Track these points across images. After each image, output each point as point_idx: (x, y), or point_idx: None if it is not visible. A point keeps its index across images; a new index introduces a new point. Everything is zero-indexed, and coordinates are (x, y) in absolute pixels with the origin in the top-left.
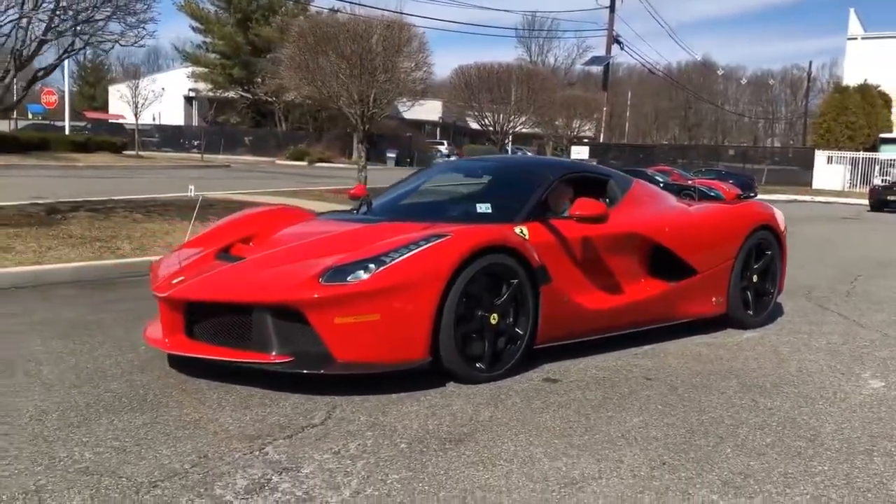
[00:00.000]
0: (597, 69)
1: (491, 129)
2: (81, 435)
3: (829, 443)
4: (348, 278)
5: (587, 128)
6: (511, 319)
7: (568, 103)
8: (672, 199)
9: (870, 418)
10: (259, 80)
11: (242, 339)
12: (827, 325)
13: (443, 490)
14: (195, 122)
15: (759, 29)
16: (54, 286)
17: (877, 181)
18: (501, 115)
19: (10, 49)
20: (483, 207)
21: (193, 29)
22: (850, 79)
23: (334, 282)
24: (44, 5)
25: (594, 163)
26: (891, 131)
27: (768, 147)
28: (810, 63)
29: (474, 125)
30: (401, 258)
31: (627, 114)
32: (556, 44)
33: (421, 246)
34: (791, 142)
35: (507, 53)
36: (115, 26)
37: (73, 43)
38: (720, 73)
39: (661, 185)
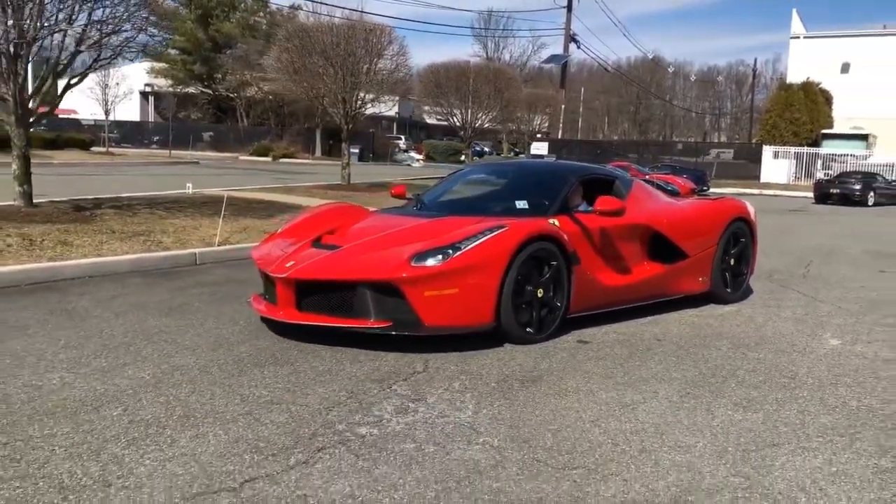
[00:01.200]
0: (551, 66)
1: (458, 125)
2: (247, 381)
3: (805, 379)
4: (432, 261)
5: (546, 124)
6: (551, 294)
7: (530, 101)
8: (664, 196)
9: (832, 364)
10: (220, 76)
11: (345, 310)
12: (790, 300)
13: (537, 410)
14: (151, 117)
15: (707, 24)
16: (122, 275)
17: (819, 175)
18: (470, 112)
19: (46, 59)
20: (521, 204)
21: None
22: (794, 76)
23: (422, 263)
24: (79, 18)
25: (553, 158)
26: (832, 127)
27: (718, 142)
28: (755, 60)
29: (430, 120)
30: (473, 245)
31: (581, 109)
32: (511, 41)
33: (486, 235)
34: (736, 137)
35: (463, 50)
36: (142, 37)
37: (100, 53)
38: (671, 70)
39: None
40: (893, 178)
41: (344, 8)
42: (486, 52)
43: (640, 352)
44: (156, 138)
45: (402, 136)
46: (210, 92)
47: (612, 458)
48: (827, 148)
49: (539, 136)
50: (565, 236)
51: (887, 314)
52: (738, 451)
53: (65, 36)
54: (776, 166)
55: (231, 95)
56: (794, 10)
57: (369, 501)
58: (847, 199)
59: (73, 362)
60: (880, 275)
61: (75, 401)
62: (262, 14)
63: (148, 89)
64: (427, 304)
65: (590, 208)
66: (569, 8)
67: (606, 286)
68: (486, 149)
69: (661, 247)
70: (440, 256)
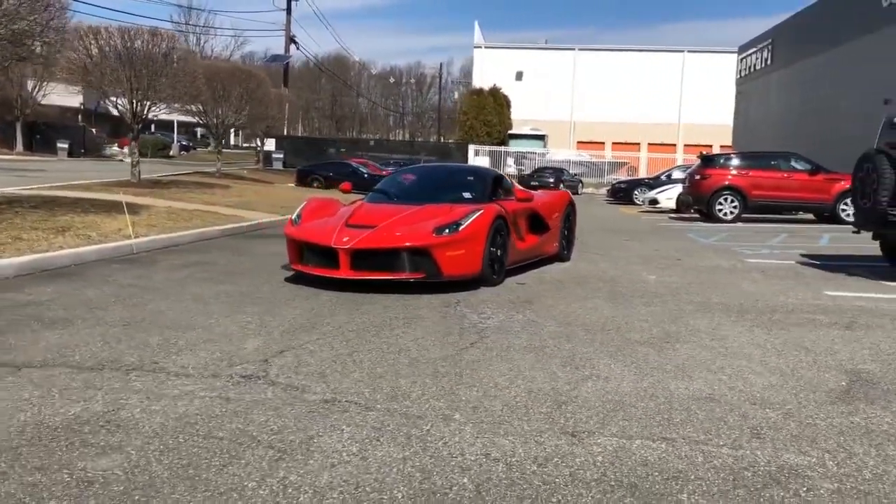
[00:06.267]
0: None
1: (207, 122)
2: (370, 309)
3: (654, 290)
4: (447, 232)
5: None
6: (500, 253)
7: (268, 100)
8: (528, 189)
9: (660, 283)
10: None
11: (387, 267)
12: (595, 258)
13: (551, 311)
14: None
15: (391, 26)
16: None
17: (511, 170)
18: (221, 112)
19: None
20: (466, 194)
21: None
22: (479, 82)
23: (441, 234)
24: None
25: (282, 154)
26: (511, 129)
27: (429, 140)
28: (441, 64)
29: (115, 112)
30: (469, 221)
31: (287, 106)
32: (211, 36)
33: (475, 215)
34: (419, 135)
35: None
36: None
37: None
38: (373, 71)
39: (366, 175)
40: (573, 172)
41: None
42: (188, 45)
43: (560, 286)
44: None
45: (94, 129)
46: None
47: (597, 324)
48: (513, 146)
49: (260, 133)
50: (509, 215)
51: (659, 264)
52: (657, 320)
53: None
54: (478, 162)
55: None
56: (476, 22)
57: (526, 347)
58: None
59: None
60: (628, 242)
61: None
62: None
63: None
64: (446, 261)
65: (510, 197)
66: (288, 10)
67: (519, 249)
68: (187, 142)
69: (537, 223)
70: (451, 229)
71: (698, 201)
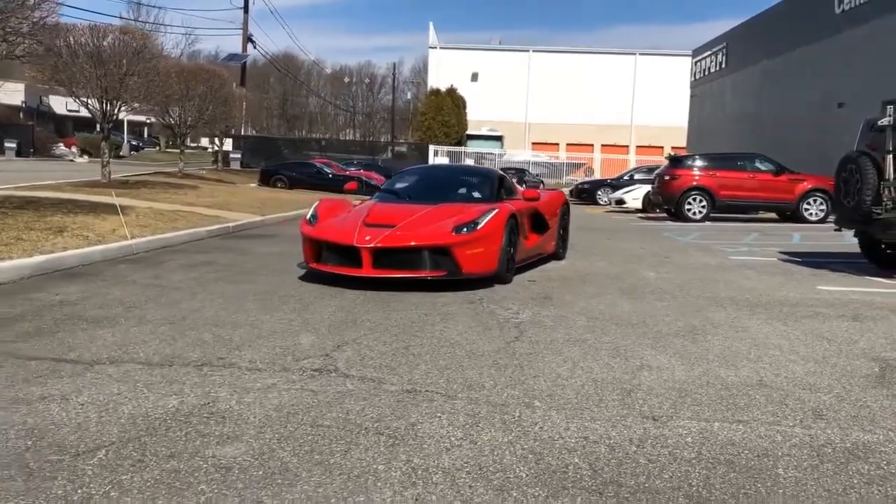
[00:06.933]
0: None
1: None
2: (401, 307)
3: (659, 286)
4: (466, 231)
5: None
6: (513, 251)
7: (232, 99)
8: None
9: (662, 279)
10: None
11: (408, 265)
12: (588, 256)
13: (573, 307)
14: None
15: (339, 24)
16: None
17: None
18: (185, 111)
19: None
20: (476, 194)
21: None
22: (434, 82)
23: (460, 233)
24: None
25: (239, 154)
26: (476, 129)
27: (389, 140)
28: (395, 64)
29: (60, 110)
30: (486, 220)
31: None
32: (161, 34)
33: (491, 214)
34: (370, 134)
35: None
36: None
37: None
38: (328, 71)
39: (330, 175)
40: (534, 172)
41: None
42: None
43: (568, 283)
44: None
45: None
46: None
47: (623, 318)
48: (472, 147)
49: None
50: (518, 214)
51: (651, 261)
52: (676, 314)
53: None
54: (439, 162)
55: None
56: (431, 24)
57: (569, 341)
58: None
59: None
60: (611, 241)
61: None
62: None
63: None
64: (465, 259)
65: (514, 196)
66: (245, 9)
67: (525, 247)
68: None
69: (539, 222)
70: (469, 228)
71: (668, 201)
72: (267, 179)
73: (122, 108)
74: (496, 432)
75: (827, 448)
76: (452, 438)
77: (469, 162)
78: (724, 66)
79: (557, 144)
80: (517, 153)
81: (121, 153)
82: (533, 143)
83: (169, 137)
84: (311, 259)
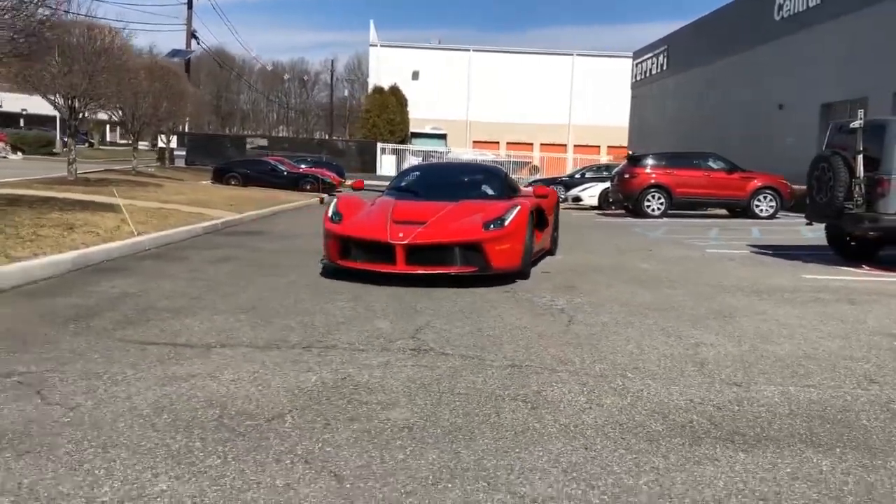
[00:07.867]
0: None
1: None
2: (445, 297)
3: (661, 277)
4: (494, 227)
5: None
6: (531, 246)
7: (186, 96)
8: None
9: (659, 271)
10: None
11: (440, 262)
12: (582, 252)
13: (598, 293)
14: None
15: (274, 19)
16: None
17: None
18: (139, 108)
19: None
20: (490, 191)
21: None
22: (375, 80)
23: (489, 230)
24: None
25: (184, 152)
26: (417, 127)
27: (340, 139)
28: (332, 62)
29: (6, 108)
30: (511, 216)
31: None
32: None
33: (515, 210)
34: (303, 132)
35: None
36: None
37: None
38: (268, 67)
39: (284, 173)
40: None
41: None
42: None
43: (578, 275)
44: None
45: None
46: None
47: (651, 305)
48: (416, 145)
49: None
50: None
51: (637, 255)
52: (694, 301)
53: None
54: (387, 160)
55: None
56: (371, 21)
57: (618, 323)
58: None
59: None
60: (584, 237)
61: None
62: None
63: None
64: (495, 255)
65: (519, 193)
66: (189, 5)
67: (536, 243)
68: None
69: (542, 219)
70: (496, 224)
71: (628, 198)
72: (220, 177)
73: (90, 106)
74: (614, 398)
75: (892, 405)
76: (581, 401)
77: (414, 160)
78: (664, 68)
79: (498, 143)
80: (464, 151)
81: (53, 150)
82: (474, 142)
83: (102, 135)
84: (336, 256)
